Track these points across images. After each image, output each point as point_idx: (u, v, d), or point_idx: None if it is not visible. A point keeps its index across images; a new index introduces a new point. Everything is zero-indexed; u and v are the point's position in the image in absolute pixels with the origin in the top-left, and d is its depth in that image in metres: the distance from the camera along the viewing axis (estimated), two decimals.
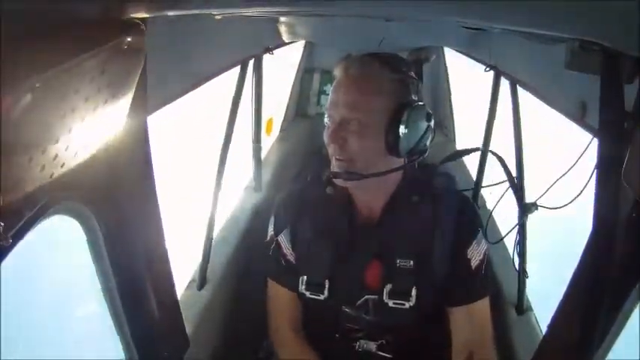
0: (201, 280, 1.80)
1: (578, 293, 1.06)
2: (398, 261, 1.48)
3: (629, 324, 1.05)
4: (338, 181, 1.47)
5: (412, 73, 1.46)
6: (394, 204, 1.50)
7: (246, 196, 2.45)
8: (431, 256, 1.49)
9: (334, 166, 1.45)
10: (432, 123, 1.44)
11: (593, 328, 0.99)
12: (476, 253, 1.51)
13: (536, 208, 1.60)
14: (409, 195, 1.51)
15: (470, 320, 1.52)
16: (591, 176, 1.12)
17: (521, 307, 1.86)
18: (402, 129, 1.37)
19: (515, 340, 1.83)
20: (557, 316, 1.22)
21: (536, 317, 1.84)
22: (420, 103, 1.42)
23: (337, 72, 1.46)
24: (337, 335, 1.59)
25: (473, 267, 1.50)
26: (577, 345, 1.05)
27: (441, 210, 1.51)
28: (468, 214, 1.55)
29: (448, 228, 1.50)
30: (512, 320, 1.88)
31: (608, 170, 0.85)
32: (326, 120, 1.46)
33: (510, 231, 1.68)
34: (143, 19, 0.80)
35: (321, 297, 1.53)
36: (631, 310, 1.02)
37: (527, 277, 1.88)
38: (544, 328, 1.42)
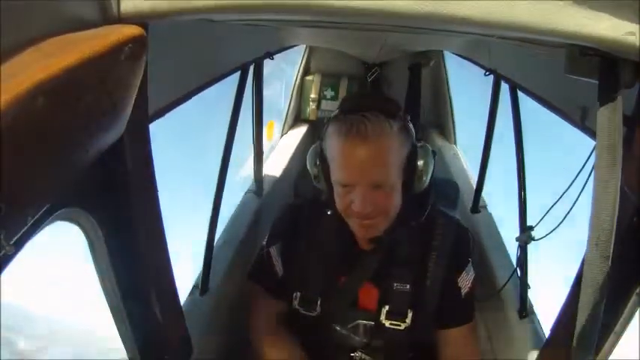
0: (204, 286, 1.80)
1: (579, 297, 1.06)
2: (395, 284, 1.53)
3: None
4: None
5: (401, 112, 1.44)
6: (394, 229, 1.52)
7: (247, 201, 2.45)
8: (425, 281, 1.55)
9: (362, 227, 1.45)
10: (435, 156, 1.47)
11: (595, 332, 0.99)
12: (465, 282, 1.59)
13: (532, 239, 1.66)
14: (409, 221, 1.54)
15: (456, 342, 1.60)
16: (584, 185, 1.13)
17: (524, 310, 1.86)
18: (418, 173, 1.42)
19: (518, 343, 1.83)
20: (559, 320, 1.23)
21: (538, 321, 1.84)
22: (420, 143, 1.45)
23: (341, 132, 1.36)
24: (333, 346, 1.63)
25: (462, 295, 1.58)
26: (579, 348, 1.05)
27: (438, 238, 1.57)
28: (462, 245, 1.61)
29: (443, 256, 1.56)
30: (514, 324, 1.88)
31: (607, 174, 0.85)
32: (337, 186, 1.42)
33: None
34: (143, 26, 0.80)
35: (314, 314, 1.58)
36: (632, 314, 1.02)
37: (529, 280, 1.88)
38: (547, 332, 1.42)
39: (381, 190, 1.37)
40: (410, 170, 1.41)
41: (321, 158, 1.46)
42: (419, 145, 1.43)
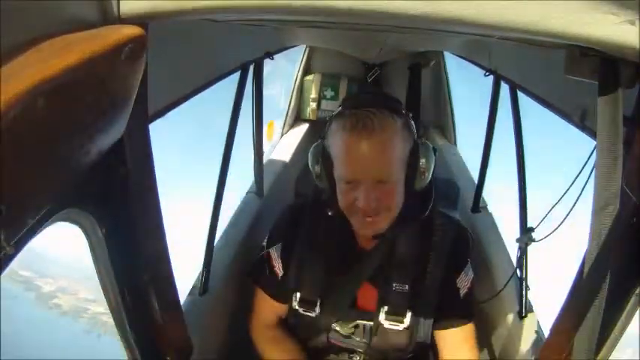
0: (203, 286, 1.80)
1: (579, 297, 1.06)
2: (394, 285, 1.53)
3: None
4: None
5: (402, 108, 1.44)
6: (396, 228, 1.52)
7: (247, 201, 2.44)
8: (424, 282, 1.55)
9: (365, 224, 1.45)
10: (435, 153, 1.47)
11: (595, 332, 0.99)
12: (464, 283, 1.60)
13: (533, 240, 1.67)
14: (410, 219, 1.53)
15: (455, 343, 1.61)
16: (585, 185, 1.13)
17: (523, 311, 1.86)
18: (420, 169, 1.41)
19: (518, 343, 1.83)
20: (559, 320, 1.22)
21: (538, 321, 1.84)
22: (421, 140, 1.44)
23: (346, 127, 1.36)
24: (332, 348, 1.65)
25: (461, 295, 1.59)
26: (579, 348, 1.05)
27: (437, 239, 1.57)
28: (461, 246, 1.62)
29: (442, 257, 1.56)
30: (514, 324, 1.88)
31: (607, 174, 0.85)
32: (341, 183, 1.41)
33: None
34: (143, 26, 0.80)
35: (313, 314, 1.58)
36: (632, 314, 1.02)
37: (528, 282, 1.88)
38: (546, 332, 1.42)
39: (384, 185, 1.37)
40: (412, 166, 1.41)
41: (324, 156, 1.45)
42: (420, 142, 1.43)
